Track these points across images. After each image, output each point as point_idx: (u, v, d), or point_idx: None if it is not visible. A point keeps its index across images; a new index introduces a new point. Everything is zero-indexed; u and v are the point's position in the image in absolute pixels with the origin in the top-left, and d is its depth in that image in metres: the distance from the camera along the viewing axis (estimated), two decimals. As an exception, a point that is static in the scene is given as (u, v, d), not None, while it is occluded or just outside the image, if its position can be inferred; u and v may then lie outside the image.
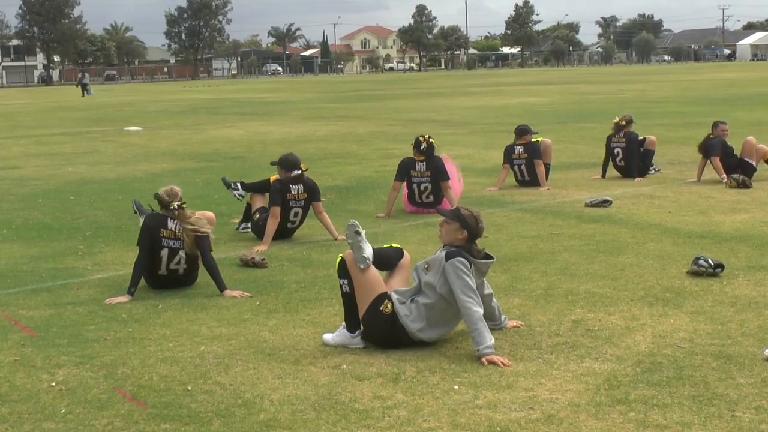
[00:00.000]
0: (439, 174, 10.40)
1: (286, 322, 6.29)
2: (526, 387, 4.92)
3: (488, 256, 5.68)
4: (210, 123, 27.73)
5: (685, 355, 5.37)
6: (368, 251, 5.70)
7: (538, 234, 9.15)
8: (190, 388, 5.03)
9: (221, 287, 7.12)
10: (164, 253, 7.26)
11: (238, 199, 10.19)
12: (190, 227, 7.24)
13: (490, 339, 5.37)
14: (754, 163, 12.32)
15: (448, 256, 5.49)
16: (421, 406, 4.69)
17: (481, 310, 5.42)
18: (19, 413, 4.76)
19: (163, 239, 7.26)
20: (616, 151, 13.12)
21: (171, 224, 7.27)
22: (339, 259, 5.80)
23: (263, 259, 8.10)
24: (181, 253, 7.28)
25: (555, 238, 8.91)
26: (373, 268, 5.74)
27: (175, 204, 7.24)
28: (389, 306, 5.59)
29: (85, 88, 59.58)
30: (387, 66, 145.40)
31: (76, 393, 5.02)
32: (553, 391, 4.84)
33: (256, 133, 23.18)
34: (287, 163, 9.15)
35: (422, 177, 10.47)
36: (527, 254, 8.23)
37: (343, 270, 5.73)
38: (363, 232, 5.72)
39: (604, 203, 10.68)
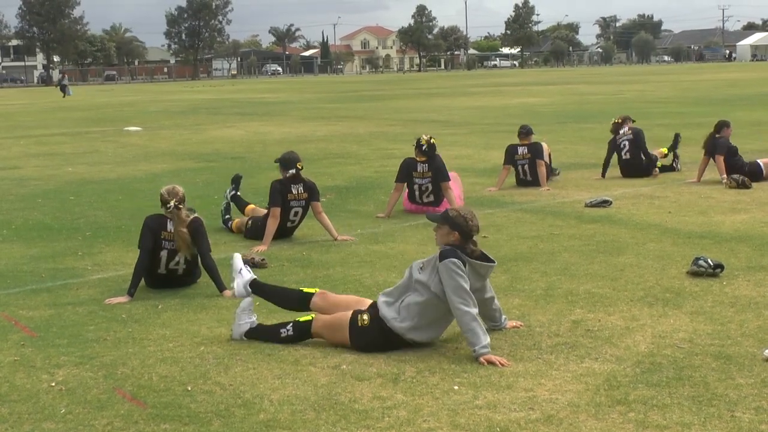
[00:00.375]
0: (439, 174, 10.40)
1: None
2: (526, 387, 4.92)
3: (486, 258, 5.67)
4: (210, 123, 27.73)
5: (684, 355, 5.37)
6: (243, 275, 6.10)
7: (538, 234, 9.15)
8: (189, 389, 5.03)
9: (221, 287, 7.12)
10: (163, 254, 7.26)
11: (225, 199, 10.15)
12: (182, 230, 7.21)
13: (485, 339, 5.35)
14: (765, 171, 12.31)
15: (442, 256, 5.47)
16: (420, 407, 4.69)
17: (474, 310, 5.39)
18: (19, 413, 4.76)
19: (163, 241, 7.26)
20: (622, 144, 13.18)
21: (170, 226, 7.27)
22: (309, 317, 5.80)
23: (263, 260, 8.11)
24: (180, 255, 7.27)
25: (555, 239, 8.91)
26: (321, 316, 5.79)
27: (173, 203, 7.23)
28: (365, 317, 5.59)
29: (64, 89, 59.31)
30: (492, 63, 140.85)
31: (76, 393, 5.02)
32: (553, 392, 4.84)
33: (256, 134, 23.18)
34: (285, 162, 9.17)
35: (424, 178, 10.48)
36: (527, 254, 8.23)
37: (306, 330, 5.75)
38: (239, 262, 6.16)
39: (604, 203, 10.69)
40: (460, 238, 5.60)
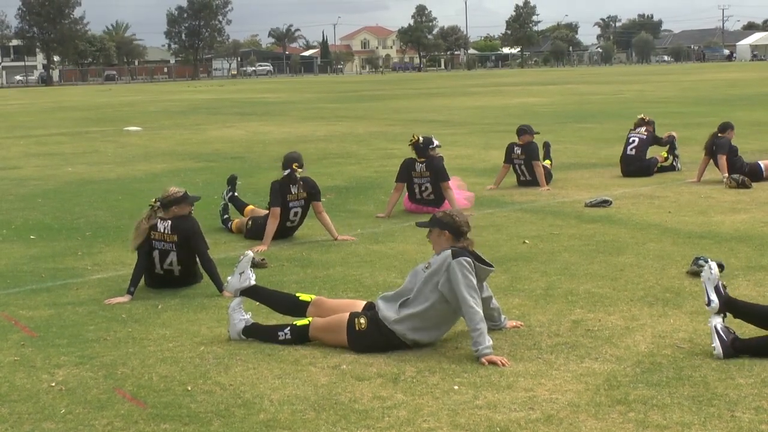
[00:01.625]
0: (438, 175, 10.40)
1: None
2: (526, 387, 4.92)
3: (480, 259, 5.67)
4: (210, 123, 27.72)
5: (685, 355, 5.37)
6: (247, 276, 6.03)
7: (538, 234, 9.15)
8: (190, 388, 5.03)
9: (220, 287, 7.13)
10: (156, 254, 7.30)
11: (222, 200, 10.15)
12: (142, 222, 7.32)
13: (489, 339, 5.39)
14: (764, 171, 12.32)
15: (455, 255, 5.49)
16: (421, 406, 4.69)
17: (482, 310, 5.43)
18: (19, 413, 4.76)
19: (154, 241, 7.29)
20: (631, 139, 13.31)
21: (160, 226, 7.30)
22: (307, 321, 5.80)
23: (263, 260, 8.10)
24: (173, 255, 7.30)
25: (555, 238, 8.91)
26: (318, 319, 5.79)
27: (153, 201, 7.40)
28: (362, 321, 5.59)
29: None
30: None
31: (76, 393, 5.02)
32: (553, 392, 4.84)
33: (256, 133, 23.18)
34: (284, 161, 9.18)
35: (422, 178, 10.49)
36: (527, 254, 8.23)
37: (303, 334, 5.74)
38: (247, 263, 6.05)
39: (604, 203, 10.69)
40: (452, 237, 5.64)
